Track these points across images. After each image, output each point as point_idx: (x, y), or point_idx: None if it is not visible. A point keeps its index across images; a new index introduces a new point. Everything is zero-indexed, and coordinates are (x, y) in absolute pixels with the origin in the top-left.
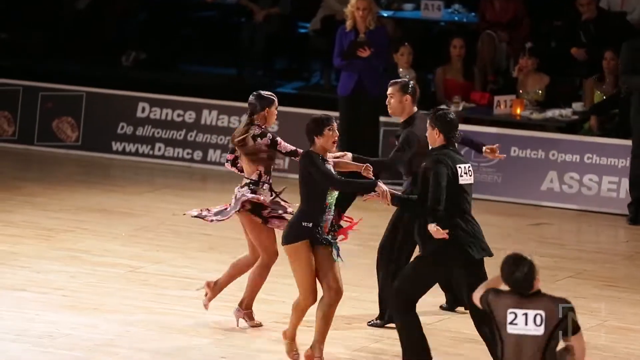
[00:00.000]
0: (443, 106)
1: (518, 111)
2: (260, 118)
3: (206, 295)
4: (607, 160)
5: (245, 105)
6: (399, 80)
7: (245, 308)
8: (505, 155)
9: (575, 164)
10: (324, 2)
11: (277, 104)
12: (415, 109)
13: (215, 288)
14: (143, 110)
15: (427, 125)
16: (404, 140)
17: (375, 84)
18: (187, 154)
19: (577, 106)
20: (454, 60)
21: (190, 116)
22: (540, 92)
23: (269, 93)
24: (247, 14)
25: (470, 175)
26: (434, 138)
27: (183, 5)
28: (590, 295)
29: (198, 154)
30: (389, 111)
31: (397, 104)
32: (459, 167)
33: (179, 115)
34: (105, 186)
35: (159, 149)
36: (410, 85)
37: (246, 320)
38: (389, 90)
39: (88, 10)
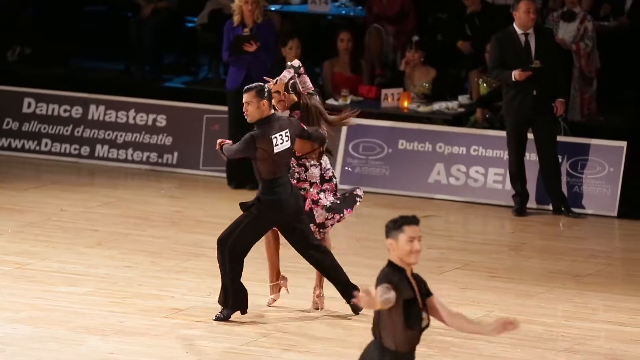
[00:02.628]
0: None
1: (405, 104)
2: None
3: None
4: (492, 152)
5: (133, 100)
6: (254, 85)
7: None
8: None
9: (461, 156)
10: None
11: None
12: (272, 111)
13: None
14: (29, 105)
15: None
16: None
17: (263, 78)
18: (75, 149)
19: (463, 99)
20: (341, 54)
21: (77, 111)
22: (426, 85)
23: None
24: (134, 8)
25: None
26: (262, 110)
27: None
28: (477, 286)
29: (85, 150)
30: (247, 119)
31: (255, 110)
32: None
33: (65, 111)
34: None
35: (46, 145)
36: (265, 90)
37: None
38: (245, 98)
39: None
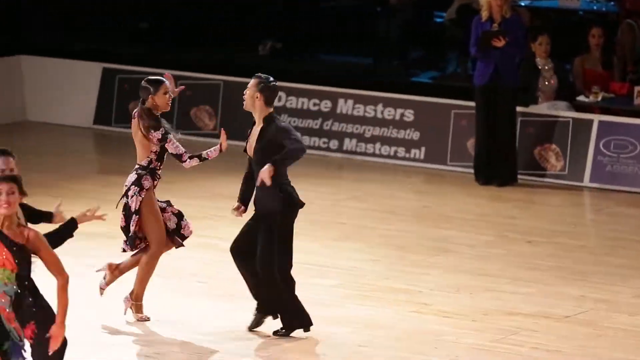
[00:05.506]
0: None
1: None
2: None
3: (105, 278)
4: None
5: (381, 94)
6: (262, 75)
7: (135, 299)
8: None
9: None
10: None
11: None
12: (271, 109)
13: (115, 272)
14: (279, 99)
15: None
16: (286, 133)
17: (512, 73)
18: (323, 142)
19: None
20: (592, 50)
21: (326, 105)
22: None
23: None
24: (383, 3)
25: None
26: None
27: None
28: None
29: (334, 143)
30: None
31: (249, 99)
32: None
33: (314, 104)
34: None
35: None
36: (263, 84)
37: (133, 312)
38: (249, 83)
39: None
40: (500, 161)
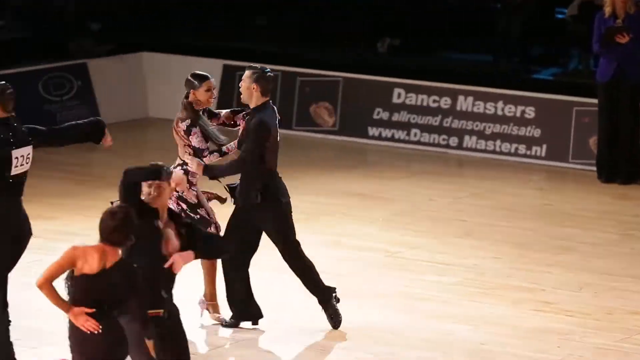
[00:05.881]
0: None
1: None
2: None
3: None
4: None
5: (501, 91)
6: (256, 66)
7: (211, 299)
8: None
9: None
10: None
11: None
12: (266, 99)
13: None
14: (399, 95)
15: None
16: (254, 132)
17: (635, 70)
18: (443, 139)
19: None
20: None
21: (445, 102)
22: None
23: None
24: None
25: None
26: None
27: None
28: None
29: (454, 140)
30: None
31: (245, 90)
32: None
33: (434, 101)
34: (362, 171)
35: (415, 135)
36: (258, 74)
37: (210, 313)
38: (244, 74)
39: None
40: (624, 159)
